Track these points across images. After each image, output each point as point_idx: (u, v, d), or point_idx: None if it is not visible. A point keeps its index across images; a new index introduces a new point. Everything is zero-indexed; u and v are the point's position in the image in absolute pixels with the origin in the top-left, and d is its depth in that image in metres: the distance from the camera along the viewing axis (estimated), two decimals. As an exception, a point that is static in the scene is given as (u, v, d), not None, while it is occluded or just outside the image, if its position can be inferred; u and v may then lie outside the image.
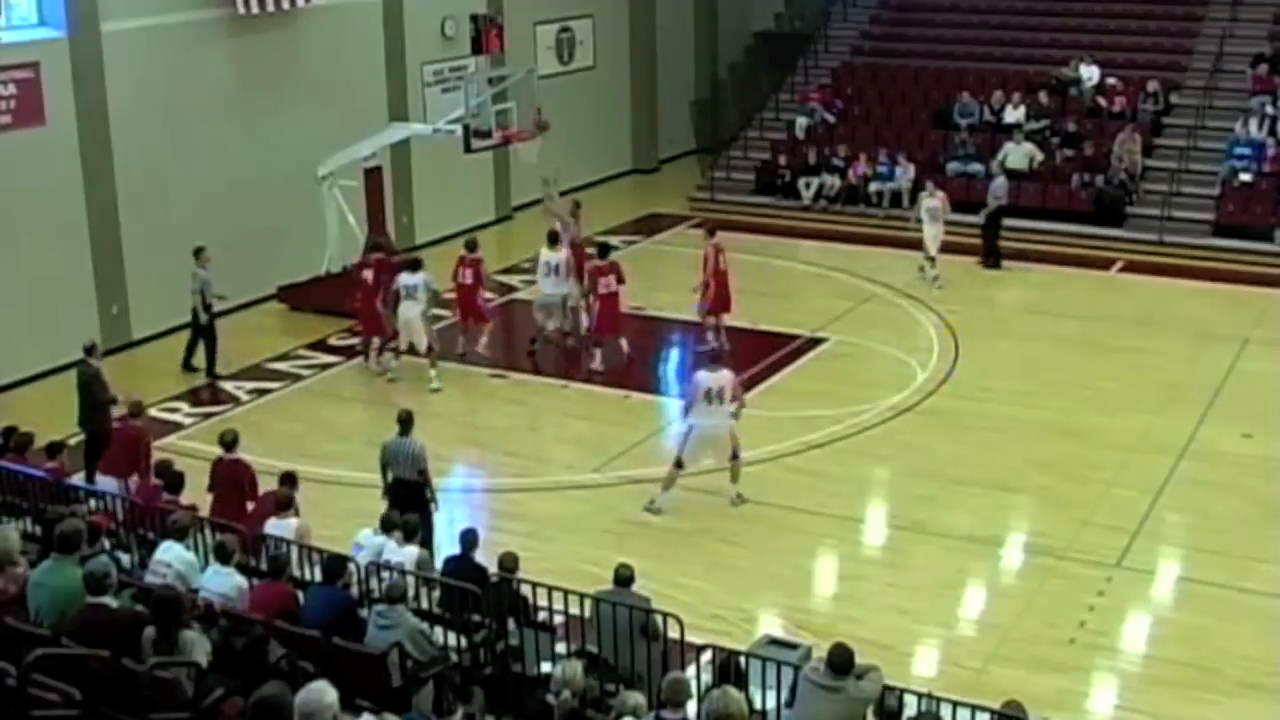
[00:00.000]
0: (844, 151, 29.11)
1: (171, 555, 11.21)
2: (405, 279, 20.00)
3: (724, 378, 15.96)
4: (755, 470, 16.66)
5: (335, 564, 10.99)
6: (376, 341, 20.70)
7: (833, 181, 28.78)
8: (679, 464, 16.00)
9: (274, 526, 12.67)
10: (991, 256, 24.95)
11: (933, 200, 24.04)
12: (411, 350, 20.36)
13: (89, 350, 16.63)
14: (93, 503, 13.51)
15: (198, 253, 20.21)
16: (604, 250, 21.16)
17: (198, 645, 8.96)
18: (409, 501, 13.96)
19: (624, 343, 20.80)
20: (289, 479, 13.48)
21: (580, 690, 9.20)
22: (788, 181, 29.36)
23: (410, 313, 19.89)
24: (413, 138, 24.38)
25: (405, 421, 14.49)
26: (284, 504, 12.90)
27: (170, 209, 21.72)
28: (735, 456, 16.05)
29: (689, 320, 22.28)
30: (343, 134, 22.98)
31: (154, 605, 9.05)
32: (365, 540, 12.54)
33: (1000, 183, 25.21)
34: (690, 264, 22.92)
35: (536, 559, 13.01)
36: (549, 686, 9.38)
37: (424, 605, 11.52)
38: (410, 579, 11.29)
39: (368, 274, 20.59)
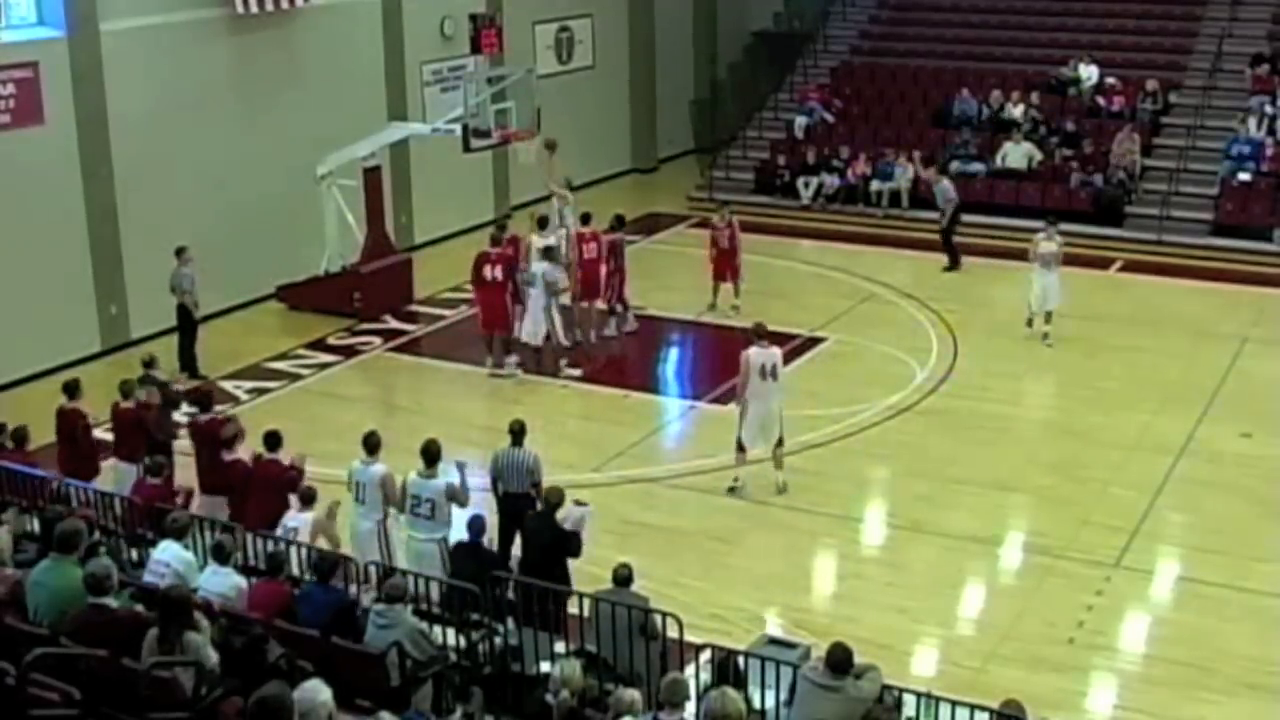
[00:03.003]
0: (846, 152, 29.11)
1: (170, 555, 11.20)
2: (537, 241, 20.37)
3: (775, 354, 16.11)
4: (755, 469, 16.68)
5: (328, 562, 10.92)
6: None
7: (831, 181, 28.78)
8: (740, 447, 16.20)
9: (293, 519, 12.90)
10: (951, 258, 24.84)
11: (1050, 244, 20.92)
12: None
13: (149, 364, 16.48)
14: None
15: (180, 252, 20.24)
16: (618, 223, 22.04)
17: (204, 648, 8.96)
18: (521, 516, 13.68)
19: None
20: (273, 438, 13.85)
21: (579, 689, 9.20)
22: (787, 181, 29.37)
23: (533, 301, 20.10)
24: (412, 137, 24.37)
25: (518, 433, 14.07)
26: (307, 499, 13.08)
27: (169, 208, 21.70)
28: (780, 443, 16.23)
29: (688, 320, 22.37)
30: (342, 133, 22.97)
31: (160, 604, 9.05)
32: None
33: (945, 186, 25.01)
34: (691, 263, 23.00)
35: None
36: (548, 686, 9.38)
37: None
38: (410, 578, 11.32)
39: (495, 270, 20.12)
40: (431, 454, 13.07)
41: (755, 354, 15.97)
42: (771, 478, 16.36)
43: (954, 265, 24.86)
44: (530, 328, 20.14)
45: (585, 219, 21.51)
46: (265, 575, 11.19)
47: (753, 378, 15.88)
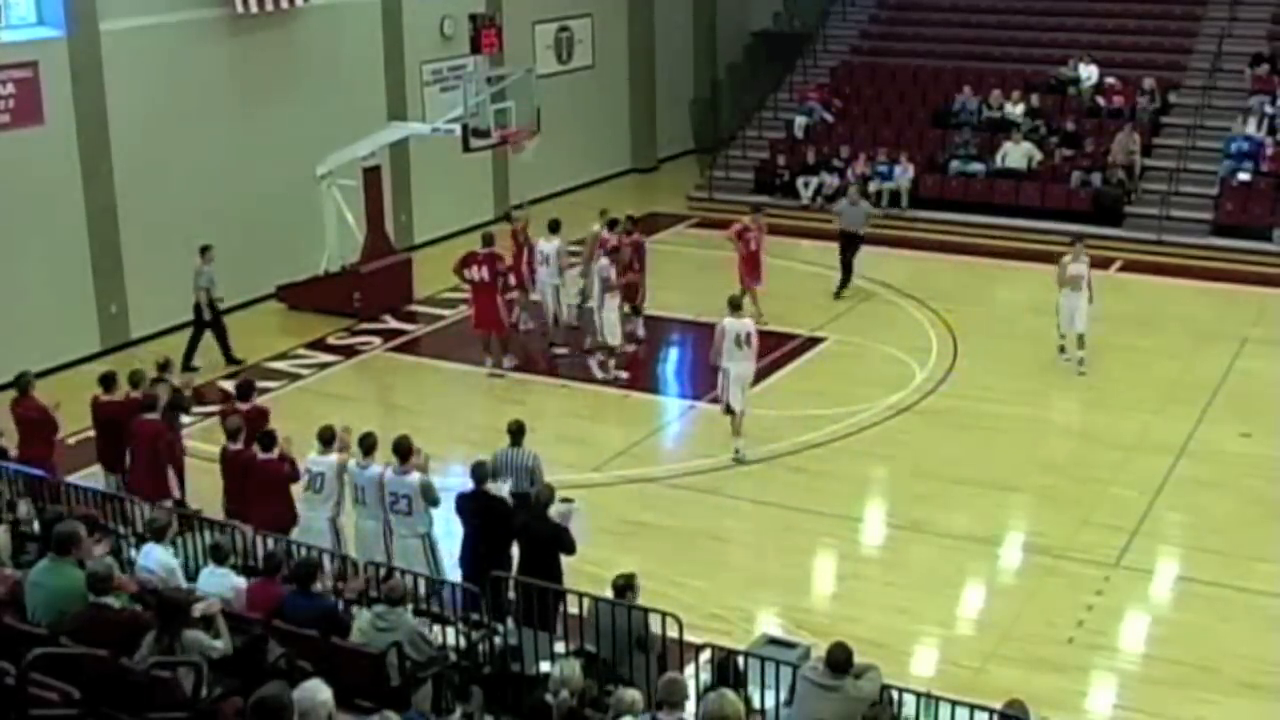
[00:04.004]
0: (845, 152, 29.10)
1: (153, 561, 11.12)
2: (542, 245, 21.04)
3: (749, 324, 17.28)
4: (754, 470, 16.71)
5: (307, 567, 10.79)
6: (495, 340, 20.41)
7: (831, 180, 28.76)
8: (729, 410, 17.09)
9: (317, 464, 13.16)
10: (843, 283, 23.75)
11: (1079, 266, 19.71)
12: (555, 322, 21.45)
13: (164, 366, 16.10)
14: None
15: (204, 250, 20.29)
16: (631, 223, 22.05)
17: (205, 644, 8.98)
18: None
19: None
20: (267, 437, 13.71)
21: (579, 690, 9.18)
22: (786, 181, 29.36)
23: (550, 280, 21.04)
24: (411, 137, 24.37)
25: (516, 432, 14.04)
26: (326, 440, 13.31)
27: (169, 208, 21.72)
28: (741, 414, 17.10)
29: (688, 320, 22.36)
30: (341, 133, 22.97)
31: (157, 606, 9.05)
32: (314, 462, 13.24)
33: (856, 211, 23.64)
34: (691, 263, 22.95)
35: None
36: (547, 686, 9.36)
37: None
38: (409, 578, 11.31)
39: (481, 271, 20.10)
40: (403, 450, 12.97)
41: (730, 324, 17.01)
42: (734, 445, 17.16)
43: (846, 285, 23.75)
44: (608, 328, 19.92)
45: (612, 224, 21.42)
46: (262, 575, 11.10)
47: (728, 344, 16.79)
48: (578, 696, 9.17)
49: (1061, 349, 20.25)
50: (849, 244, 23.54)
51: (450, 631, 11.26)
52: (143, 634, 8.92)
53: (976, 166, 28.11)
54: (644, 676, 10.45)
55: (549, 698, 9.15)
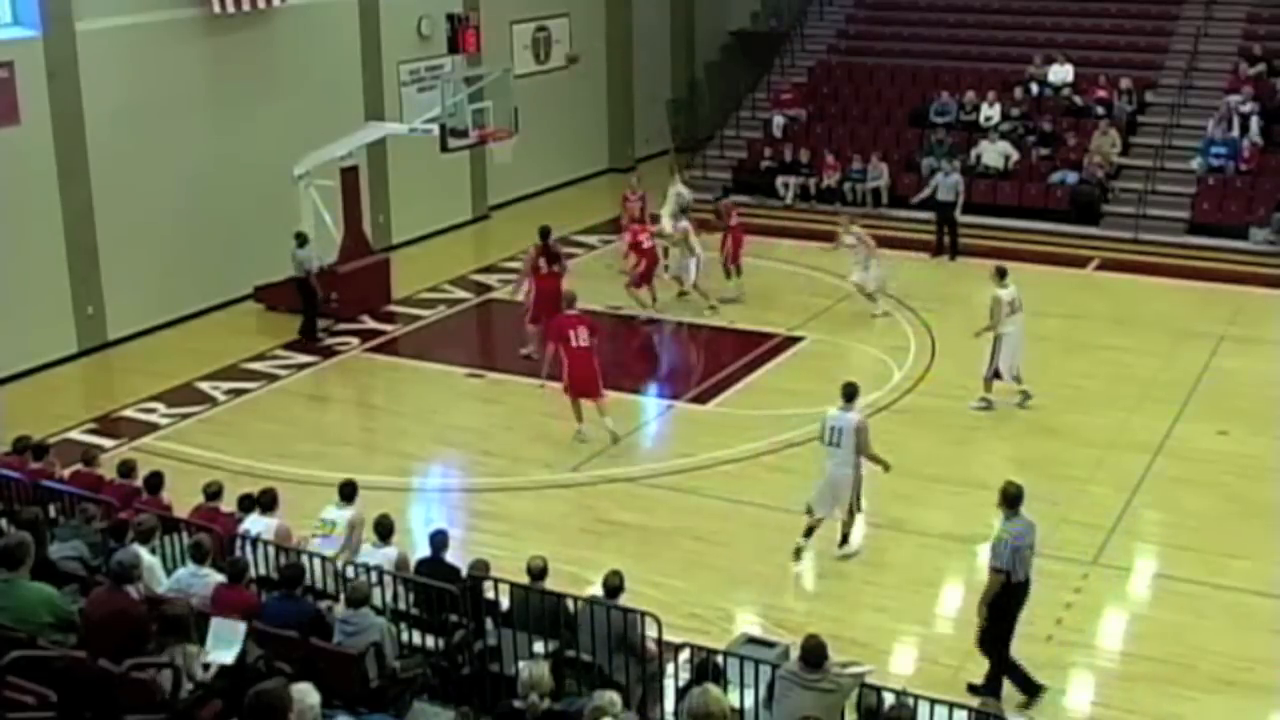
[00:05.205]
0: (806, 156, 29.21)
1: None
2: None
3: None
4: (733, 469, 16.69)
5: (294, 570, 10.73)
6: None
7: (798, 181, 28.83)
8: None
9: (253, 524, 12.55)
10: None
11: (1009, 290, 18.58)
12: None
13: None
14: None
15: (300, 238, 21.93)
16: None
17: (196, 659, 8.98)
18: None
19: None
20: (269, 497, 12.90)
21: (548, 691, 9.07)
22: (771, 168, 29.33)
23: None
24: (389, 137, 24.32)
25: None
26: (268, 504, 12.70)
27: (146, 209, 21.64)
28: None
29: (665, 319, 22.35)
30: (319, 133, 22.88)
31: (160, 621, 9.01)
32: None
33: (947, 181, 25.62)
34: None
35: (513, 558, 12.96)
36: (516, 691, 9.24)
37: (402, 606, 11.48)
38: (385, 580, 11.25)
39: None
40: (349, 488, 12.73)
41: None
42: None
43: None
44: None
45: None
46: (229, 582, 10.80)
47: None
48: (548, 698, 9.07)
49: (990, 402, 18.77)
50: (943, 214, 25.37)
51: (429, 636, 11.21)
52: (148, 634, 8.96)
53: (952, 165, 27.95)
54: (625, 676, 10.46)
55: (517, 703, 9.06)
